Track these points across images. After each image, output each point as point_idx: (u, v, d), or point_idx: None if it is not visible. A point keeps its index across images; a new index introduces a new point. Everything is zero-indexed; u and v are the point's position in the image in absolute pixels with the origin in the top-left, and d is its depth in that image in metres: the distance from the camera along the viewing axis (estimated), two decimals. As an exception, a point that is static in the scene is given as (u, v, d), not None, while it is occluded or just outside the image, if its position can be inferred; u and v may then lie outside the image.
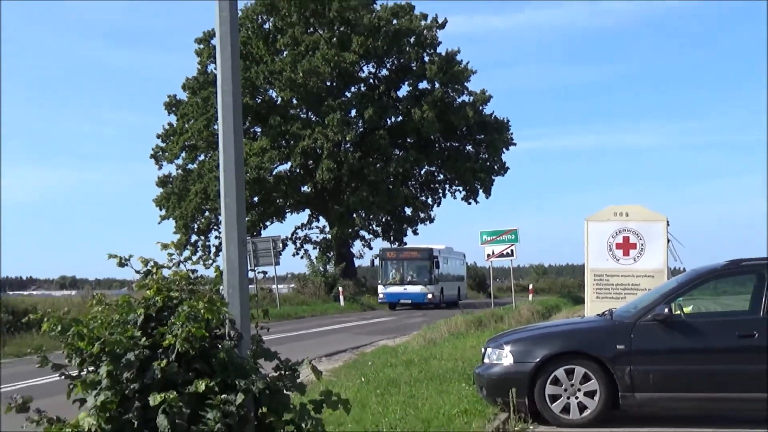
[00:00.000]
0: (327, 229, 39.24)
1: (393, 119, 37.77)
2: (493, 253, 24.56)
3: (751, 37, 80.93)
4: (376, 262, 36.15)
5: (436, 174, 40.36)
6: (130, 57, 67.80)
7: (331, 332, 22.00)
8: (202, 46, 36.39)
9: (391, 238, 39.59)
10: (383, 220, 39.31)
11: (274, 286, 32.09)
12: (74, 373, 4.79)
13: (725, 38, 78.05)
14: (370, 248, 40.73)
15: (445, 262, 36.42)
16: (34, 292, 49.99)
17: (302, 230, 40.67)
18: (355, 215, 37.43)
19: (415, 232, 40.30)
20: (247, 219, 5.33)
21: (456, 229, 75.16)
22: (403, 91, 38.54)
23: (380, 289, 33.99)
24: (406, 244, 38.80)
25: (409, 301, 32.96)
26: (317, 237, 40.58)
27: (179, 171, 37.44)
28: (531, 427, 7.73)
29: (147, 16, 68.86)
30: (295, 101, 36.39)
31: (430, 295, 32.62)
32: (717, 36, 75.77)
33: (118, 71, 68.51)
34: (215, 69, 5.91)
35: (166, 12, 68.28)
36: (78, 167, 76.22)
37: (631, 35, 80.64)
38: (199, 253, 37.72)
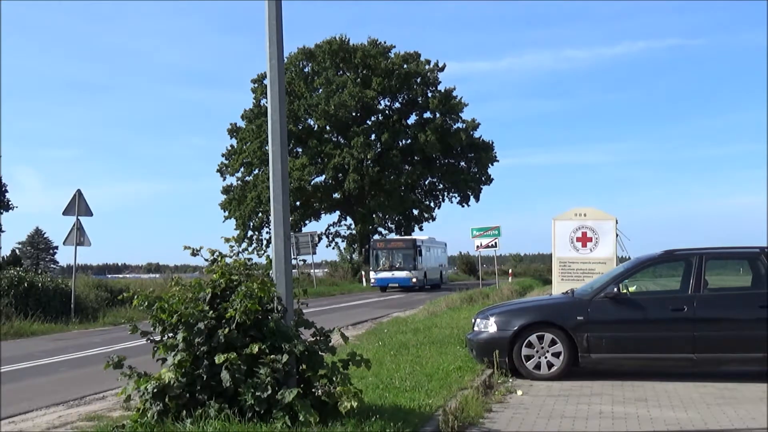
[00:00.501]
0: (353, 226, 47.79)
1: (403, 142, 45.60)
2: (481, 244, 29.32)
3: (677, 82, 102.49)
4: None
5: (437, 184, 48.66)
6: (201, 93, 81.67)
7: (356, 307, 25.65)
8: (256, 85, 44.56)
9: (402, 232, 46.47)
10: (396, 219, 47.40)
11: (311, 271, 39.14)
12: (157, 338, 5.92)
13: (655, 80, 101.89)
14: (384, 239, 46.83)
15: (428, 250, 40.15)
16: (127, 275, 59.64)
17: (333, 227, 49.29)
18: (374, 216, 45.99)
19: (420, 228, 47.70)
20: (290, 219, 6.41)
21: (453, 226, 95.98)
22: (411, 119, 46.80)
23: (372, 274, 37.19)
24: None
25: (397, 285, 36.16)
26: (345, 232, 49.32)
27: (239, 182, 45.85)
28: (510, 381, 9.00)
29: (214, 62, 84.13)
30: (328, 128, 44.21)
31: (414, 279, 36.14)
32: (646, 78, 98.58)
33: (192, 105, 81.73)
34: (266, 103, 6.85)
35: (230, 58, 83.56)
36: (163, 179, 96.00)
37: (585, 76, 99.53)
38: (254, 246, 45.98)
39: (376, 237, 44.15)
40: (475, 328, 10.00)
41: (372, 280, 37.38)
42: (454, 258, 63.44)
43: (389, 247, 38.43)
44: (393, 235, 45.68)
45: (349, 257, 47.59)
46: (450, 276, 52.17)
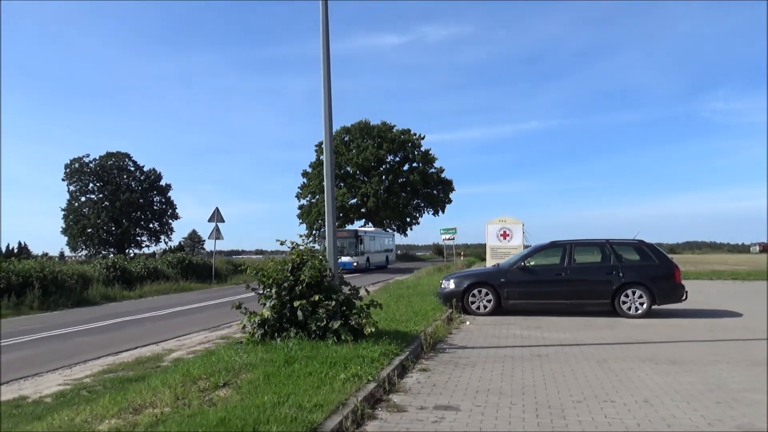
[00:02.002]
0: (371, 227, 63.78)
1: (401, 180, 66.78)
2: (445, 238, 45.49)
3: (560, 144, 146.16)
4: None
5: (420, 204, 69.52)
6: (288, 153, 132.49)
7: (373, 274, 37.61)
8: (316, 147, 65.60)
9: (399, 231, 68.70)
10: (397, 224, 68.81)
11: None
12: (260, 292, 8.52)
13: (549, 143, 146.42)
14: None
15: (372, 239, 45.23)
16: (243, 257, 77.93)
17: (361, 228, 64.16)
18: (384, 222, 66.47)
19: (411, 229, 69.74)
20: (336, 224, 9.04)
21: (429, 227, 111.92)
22: (405, 167, 67.75)
23: None
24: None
25: (341, 268, 36.64)
26: None
27: (307, 203, 66.31)
28: (462, 316, 12.46)
29: (294, 135, 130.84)
30: (357, 172, 65.97)
31: (355, 263, 39.35)
32: (543, 142, 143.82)
33: (283, 160, 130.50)
34: (323, 157, 9.09)
35: (302, 133, 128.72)
36: (266, 202, 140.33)
37: (508, 141, 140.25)
38: (316, 239, 59.92)
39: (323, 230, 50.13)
40: (442, 286, 13.69)
41: None
42: (429, 246, 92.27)
43: (337, 237, 41.06)
44: (355, 227, 54.76)
45: None
46: (425, 256, 79.61)
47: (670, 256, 13.41)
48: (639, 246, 12.94)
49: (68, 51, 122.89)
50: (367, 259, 42.49)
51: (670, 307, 13.01)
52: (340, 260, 35.65)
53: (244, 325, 8.47)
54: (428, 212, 70.18)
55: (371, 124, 66.85)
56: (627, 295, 12.43)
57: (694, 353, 8.38)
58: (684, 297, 12.63)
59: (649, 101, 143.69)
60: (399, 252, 75.10)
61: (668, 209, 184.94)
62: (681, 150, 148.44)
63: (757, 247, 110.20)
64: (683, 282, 12.89)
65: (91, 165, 69.09)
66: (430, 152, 67.90)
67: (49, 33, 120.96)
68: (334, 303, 8.17)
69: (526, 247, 19.51)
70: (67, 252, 70.10)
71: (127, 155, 71.43)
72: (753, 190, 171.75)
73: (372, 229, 49.35)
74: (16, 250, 72.30)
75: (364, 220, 69.13)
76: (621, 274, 12.47)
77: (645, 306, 12.34)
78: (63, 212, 68.39)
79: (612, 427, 5.05)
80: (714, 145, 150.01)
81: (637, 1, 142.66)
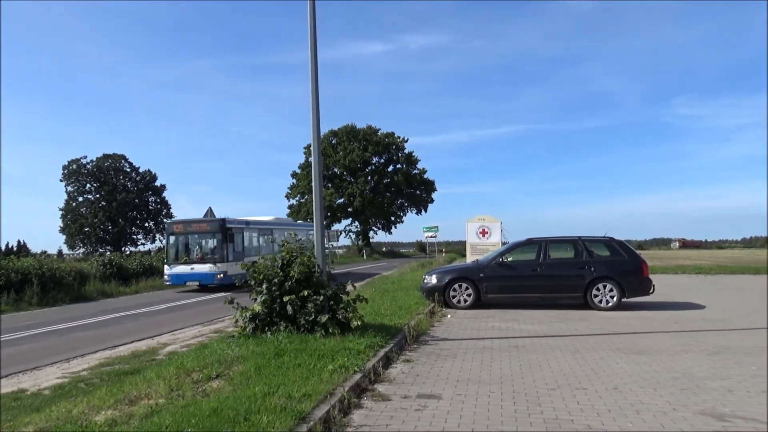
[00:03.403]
0: (358, 226, 69.68)
1: (386, 180, 67.89)
2: (428, 235, 46.60)
3: (532, 148, 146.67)
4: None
5: (404, 203, 70.16)
6: (278, 155, 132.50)
7: (360, 270, 36.24)
8: (305, 150, 64.98)
9: (384, 230, 70.77)
10: (382, 222, 69.94)
11: (336, 250, 56.70)
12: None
13: (521, 147, 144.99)
14: (376, 234, 70.90)
15: (256, 234, 26.62)
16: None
17: (348, 226, 70.23)
18: (370, 220, 68.52)
19: (395, 227, 70.85)
20: (324, 222, 8.89)
21: (412, 225, 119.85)
22: (390, 168, 68.60)
23: (165, 269, 22.97)
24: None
25: (197, 283, 22.49)
26: (354, 229, 70.60)
27: (297, 202, 65.75)
28: (443, 310, 12.42)
29: (284, 138, 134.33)
30: (344, 173, 66.19)
31: (220, 275, 22.09)
32: (516, 146, 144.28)
33: (274, 161, 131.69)
34: (311, 159, 9.11)
35: (292, 136, 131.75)
36: (257, 201, 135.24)
37: (484, 144, 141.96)
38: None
39: (173, 219, 29.69)
40: (425, 281, 13.65)
41: (165, 277, 22.84)
42: (413, 243, 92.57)
43: (191, 231, 23.51)
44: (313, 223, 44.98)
45: (356, 243, 69.78)
46: (409, 253, 77.14)
47: (638, 252, 13.54)
48: (609, 243, 13.06)
49: (64, 54, 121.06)
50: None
51: (638, 300, 13.15)
52: (191, 271, 22.61)
53: (236, 319, 8.44)
54: (412, 211, 70.95)
55: (357, 127, 67.37)
56: (598, 289, 12.53)
57: (660, 343, 8.49)
58: (651, 290, 12.77)
59: (616, 106, 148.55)
60: (384, 249, 75.76)
61: (636, 208, 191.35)
62: (646, 152, 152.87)
63: (677, 243, 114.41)
64: (650, 276, 13.04)
65: (88, 166, 68.31)
66: (413, 154, 68.74)
67: (46, 36, 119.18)
68: (322, 298, 8.17)
69: (503, 243, 19.70)
70: (65, 250, 69.23)
71: (123, 157, 70.72)
72: (715, 190, 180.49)
73: (266, 218, 29.10)
74: (15, 249, 71.21)
75: (350, 218, 70.14)
76: (592, 269, 12.57)
77: (615, 299, 12.46)
78: (61, 212, 67.68)
79: (584, 413, 5.09)
80: (677, 148, 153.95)
81: (603, 16, 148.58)
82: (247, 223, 25.65)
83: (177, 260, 22.94)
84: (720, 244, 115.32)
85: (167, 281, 22.88)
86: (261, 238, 26.68)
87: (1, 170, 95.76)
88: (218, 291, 21.78)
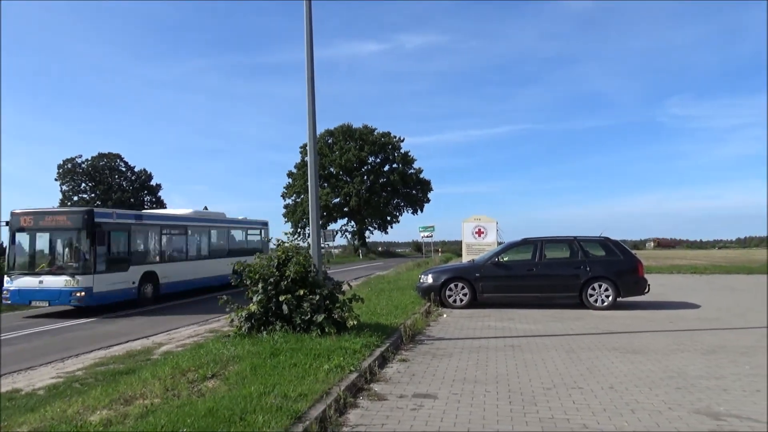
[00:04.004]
0: (354, 226, 69.53)
1: (382, 180, 67.36)
2: (424, 235, 45.11)
3: (528, 149, 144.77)
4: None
5: (400, 203, 69.95)
6: (275, 155, 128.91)
7: (356, 269, 36.36)
8: (302, 149, 65.34)
9: (381, 229, 70.51)
10: (378, 222, 69.41)
11: (332, 250, 57.63)
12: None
13: (517, 147, 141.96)
14: (372, 233, 70.19)
15: (150, 232, 17.89)
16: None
17: (344, 226, 70.06)
18: (366, 220, 68.45)
19: (392, 227, 70.21)
20: (320, 222, 8.92)
21: (408, 225, 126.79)
22: (386, 168, 68.35)
23: (5, 282, 15.39)
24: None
25: (46, 303, 15.02)
26: (350, 229, 70.50)
27: (293, 202, 66.30)
28: (439, 309, 12.43)
29: (281, 138, 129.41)
30: (341, 173, 65.98)
31: (79, 293, 14.50)
32: (512, 146, 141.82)
33: (270, 160, 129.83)
34: (307, 158, 9.03)
35: (289, 136, 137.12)
36: (254, 200, 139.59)
37: (480, 145, 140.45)
38: (300, 237, 59.71)
39: (21, 209, 15.92)
40: (421, 280, 13.62)
41: (5, 294, 15.17)
42: (409, 243, 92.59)
43: (44, 226, 15.46)
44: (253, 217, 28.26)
45: (352, 242, 69.70)
46: (405, 253, 76.15)
47: (633, 251, 13.57)
48: (604, 242, 13.08)
49: (61, 54, 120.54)
50: (150, 276, 17.10)
51: (633, 300, 13.17)
52: (38, 285, 14.77)
53: (232, 319, 8.40)
54: (408, 211, 70.88)
55: (353, 127, 67.24)
56: (594, 289, 12.55)
57: (656, 343, 8.50)
58: (647, 290, 12.79)
59: (613, 106, 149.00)
60: (380, 249, 75.69)
61: (634, 208, 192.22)
62: (643, 152, 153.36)
63: (651, 243, 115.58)
64: (646, 276, 13.07)
65: (83, 165, 68.10)
66: (409, 154, 68.66)
67: (42, 35, 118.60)
68: (318, 297, 8.12)
69: (499, 243, 19.66)
70: (60, 249, 68.85)
71: (119, 156, 70.53)
72: (711, 190, 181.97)
73: (180, 212, 21.17)
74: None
75: (346, 218, 69.93)
76: (588, 269, 12.59)
77: (610, 299, 12.48)
78: (56, 211, 67.33)
79: (580, 412, 5.10)
80: (673, 148, 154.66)
81: (600, 16, 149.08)
82: (138, 216, 17.56)
83: (25, 268, 15.26)
84: (701, 244, 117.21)
85: (6, 299, 15.17)
86: (164, 239, 18.43)
87: (1, 170, 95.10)
88: (95, 313, 14.96)
